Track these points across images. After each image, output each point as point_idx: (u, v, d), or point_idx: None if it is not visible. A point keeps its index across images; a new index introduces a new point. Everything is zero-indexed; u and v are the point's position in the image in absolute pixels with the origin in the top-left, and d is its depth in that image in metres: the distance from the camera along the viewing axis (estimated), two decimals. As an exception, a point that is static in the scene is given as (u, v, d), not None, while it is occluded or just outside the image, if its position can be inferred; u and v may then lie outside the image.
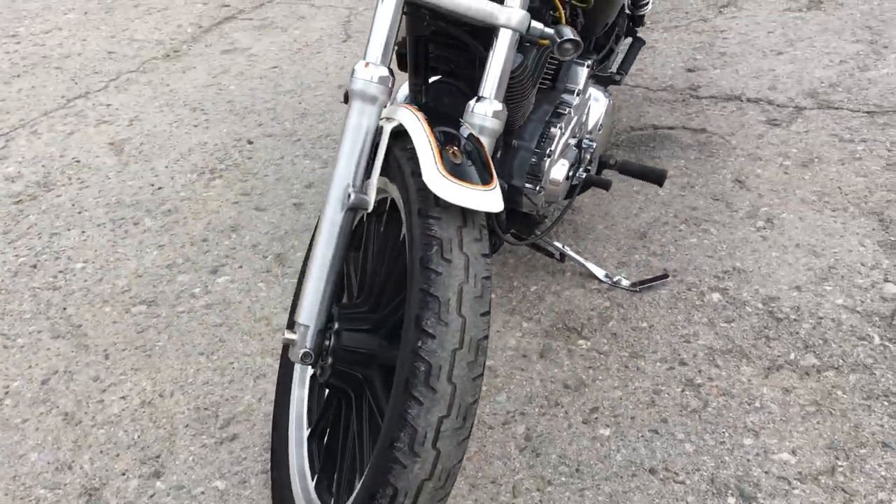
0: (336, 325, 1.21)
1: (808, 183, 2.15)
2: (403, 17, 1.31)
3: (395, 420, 0.99)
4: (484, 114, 1.23)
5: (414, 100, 1.52)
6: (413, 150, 1.11)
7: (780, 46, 2.87)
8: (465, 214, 1.08)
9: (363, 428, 1.22)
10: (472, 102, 1.25)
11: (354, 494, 1.10)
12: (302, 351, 1.20)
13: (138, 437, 1.55)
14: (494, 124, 1.23)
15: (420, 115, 1.14)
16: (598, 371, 1.64)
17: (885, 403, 1.52)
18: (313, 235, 1.24)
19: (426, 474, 0.98)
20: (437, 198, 1.06)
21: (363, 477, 1.07)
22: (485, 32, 1.29)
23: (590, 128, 1.75)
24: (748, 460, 1.43)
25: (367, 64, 1.18)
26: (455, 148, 1.11)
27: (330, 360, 1.21)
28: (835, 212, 2.03)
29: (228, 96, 2.82)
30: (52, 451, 1.53)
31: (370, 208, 1.20)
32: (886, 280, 1.80)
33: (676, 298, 1.79)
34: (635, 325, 1.73)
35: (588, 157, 1.70)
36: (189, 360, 1.72)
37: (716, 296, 1.79)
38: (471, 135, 1.18)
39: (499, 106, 1.24)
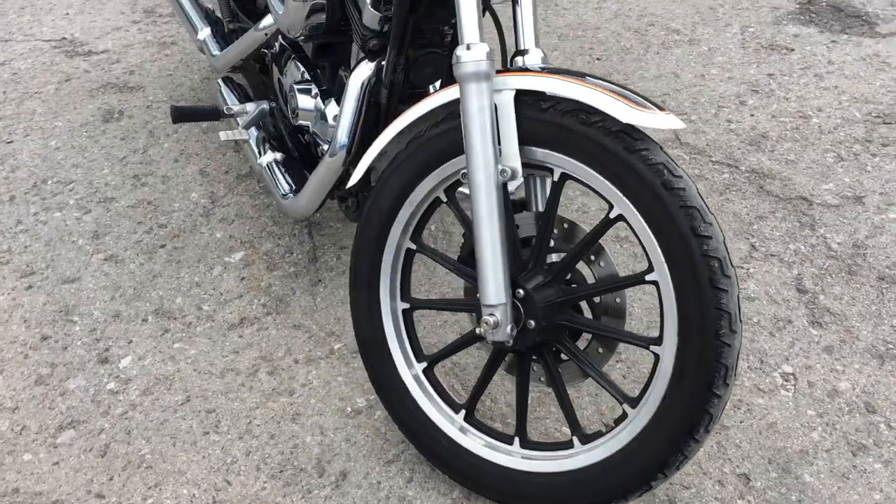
0: (523, 292, 1.35)
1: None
2: None
3: (710, 308, 1.19)
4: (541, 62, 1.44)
5: (391, 79, 1.61)
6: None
7: None
8: None
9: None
10: (519, 58, 1.45)
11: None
12: (508, 327, 1.32)
13: None
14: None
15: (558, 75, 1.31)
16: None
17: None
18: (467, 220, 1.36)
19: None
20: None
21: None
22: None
23: None
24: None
25: (468, 46, 1.31)
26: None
27: (532, 323, 1.34)
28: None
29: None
30: None
31: (521, 177, 1.33)
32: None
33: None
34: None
35: None
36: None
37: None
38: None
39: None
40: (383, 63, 1.62)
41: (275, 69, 2.11)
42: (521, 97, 1.32)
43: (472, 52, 1.30)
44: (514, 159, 1.33)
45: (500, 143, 1.32)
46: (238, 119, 2.04)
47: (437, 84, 1.70)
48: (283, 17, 1.70)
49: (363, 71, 1.63)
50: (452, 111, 1.40)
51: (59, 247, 2.20)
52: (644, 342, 1.33)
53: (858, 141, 2.42)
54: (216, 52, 2.28)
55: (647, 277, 1.29)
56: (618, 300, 1.41)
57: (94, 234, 2.24)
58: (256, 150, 1.99)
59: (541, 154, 1.34)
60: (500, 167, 1.32)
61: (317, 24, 1.66)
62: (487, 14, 1.55)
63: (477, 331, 1.41)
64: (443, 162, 1.43)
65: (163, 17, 3.49)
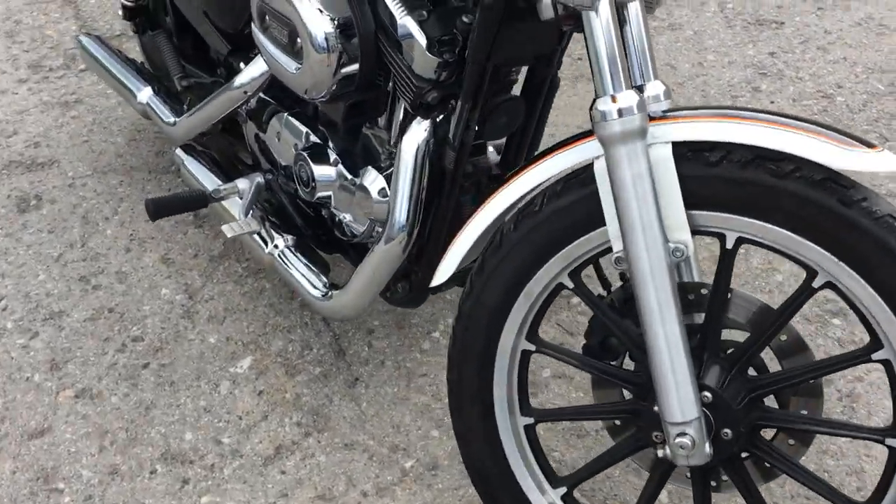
0: (711, 395, 1.09)
1: None
2: None
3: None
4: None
5: (463, 138, 1.31)
6: None
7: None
8: None
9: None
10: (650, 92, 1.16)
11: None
12: (706, 445, 1.07)
13: None
14: None
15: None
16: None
17: None
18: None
19: None
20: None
21: None
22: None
23: None
24: None
25: (613, 97, 1.03)
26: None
27: (728, 432, 1.09)
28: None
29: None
30: None
31: (692, 249, 1.07)
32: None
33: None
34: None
35: None
36: None
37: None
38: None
39: None
40: (438, 118, 1.32)
41: (252, 129, 1.76)
42: (677, 149, 1.06)
43: (620, 101, 1.02)
44: (681, 231, 1.06)
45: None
46: (226, 201, 1.68)
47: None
48: (300, 76, 1.36)
49: (418, 132, 1.32)
50: (577, 174, 1.13)
51: (10, 389, 1.77)
52: (877, 434, 1.09)
53: (893, 116, 2.28)
54: (171, 117, 1.90)
55: (875, 356, 1.06)
56: (812, 380, 1.17)
57: (52, 365, 1.82)
58: (261, 238, 1.64)
59: (710, 218, 1.08)
60: (670, 245, 1.05)
61: (345, 81, 1.33)
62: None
63: (660, 454, 1.13)
64: (571, 240, 1.15)
65: (54, 70, 3.01)
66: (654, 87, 1.17)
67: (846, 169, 1.00)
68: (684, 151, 1.05)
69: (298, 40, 1.34)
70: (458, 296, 1.26)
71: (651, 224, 1.03)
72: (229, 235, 1.55)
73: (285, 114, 1.64)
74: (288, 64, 1.39)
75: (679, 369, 1.06)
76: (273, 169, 1.71)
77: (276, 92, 1.68)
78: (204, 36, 1.92)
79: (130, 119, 2.65)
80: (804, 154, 1.00)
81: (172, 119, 1.89)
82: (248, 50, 1.79)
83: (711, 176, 1.05)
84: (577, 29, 1.10)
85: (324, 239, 1.67)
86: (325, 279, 1.56)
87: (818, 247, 1.03)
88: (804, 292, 1.08)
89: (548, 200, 1.15)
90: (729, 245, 1.09)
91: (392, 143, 1.44)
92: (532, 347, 1.24)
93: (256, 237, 1.63)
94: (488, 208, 1.18)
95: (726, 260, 1.10)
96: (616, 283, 1.28)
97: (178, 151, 1.90)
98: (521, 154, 1.44)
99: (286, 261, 1.61)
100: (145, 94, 2.00)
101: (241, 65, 1.76)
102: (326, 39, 1.29)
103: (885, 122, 2.26)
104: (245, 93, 1.67)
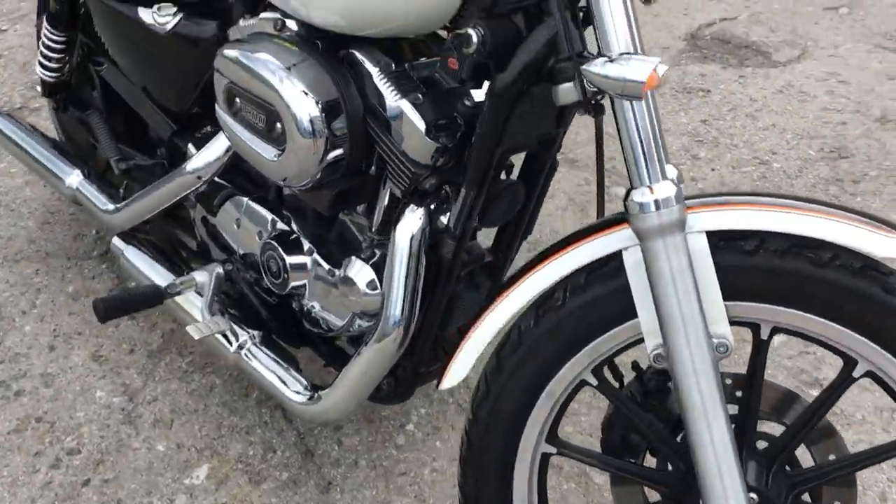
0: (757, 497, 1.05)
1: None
2: None
3: None
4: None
5: (465, 227, 1.24)
6: None
7: None
8: None
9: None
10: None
11: None
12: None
13: None
14: None
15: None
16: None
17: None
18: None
19: None
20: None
21: None
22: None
23: None
24: None
25: (650, 188, 0.98)
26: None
27: None
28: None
29: None
30: None
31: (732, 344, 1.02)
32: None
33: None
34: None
35: None
36: None
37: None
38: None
39: None
40: (432, 205, 1.25)
41: (200, 213, 1.63)
42: (710, 238, 1.02)
43: (658, 192, 0.98)
44: (721, 324, 1.02)
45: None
46: (181, 294, 1.54)
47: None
48: (280, 164, 1.26)
49: (412, 220, 1.24)
50: (602, 265, 1.07)
51: (-76, 521, 1.55)
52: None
53: (830, 181, 2.36)
54: (108, 204, 1.74)
55: (921, 446, 1.03)
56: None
57: (-26, 488, 1.61)
58: (223, 335, 1.50)
59: (746, 309, 1.04)
60: (713, 341, 1.00)
61: (331, 168, 1.24)
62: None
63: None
64: (598, 335, 1.09)
65: (-52, 147, 2.77)
66: (668, 171, 1.14)
67: (887, 256, 0.98)
68: (716, 241, 1.02)
69: (278, 125, 1.24)
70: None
71: (694, 319, 0.99)
72: (197, 338, 1.41)
73: (245, 199, 1.52)
74: (265, 150, 1.28)
75: (727, 472, 1.00)
76: (230, 258, 1.58)
77: (232, 175, 1.57)
78: (142, 114, 1.78)
79: (40, 199, 2.46)
80: (843, 241, 0.98)
81: (110, 206, 1.73)
82: (193, 129, 1.68)
83: (748, 266, 1.01)
84: (596, 114, 1.05)
85: (291, 332, 1.55)
86: (303, 380, 1.43)
87: (859, 335, 1.00)
88: (844, 382, 1.05)
89: (571, 293, 1.08)
90: (764, 335, 1.06)
91: (373, 229, 1.35)
92: (553, 450, 1.17)
93: (219, 335, 1.50)
94: (505, 304, 1.11)
95: (761, 351, 1.07)
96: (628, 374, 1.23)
97: (116, 241, 1.74)
98: (516, 240, 1.38)
99: (255, 359, 1.48)
100: (74, 178, 1.84)
101: (189, 146, 1.64)
102: (313, 123, 1.20)
103: (822, 188, 2.33)
104: (199, 178, 1.55)
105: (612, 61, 0.92)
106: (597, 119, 1.14)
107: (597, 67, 0.93)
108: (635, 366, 1.22)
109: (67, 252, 2.24)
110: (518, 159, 1.30)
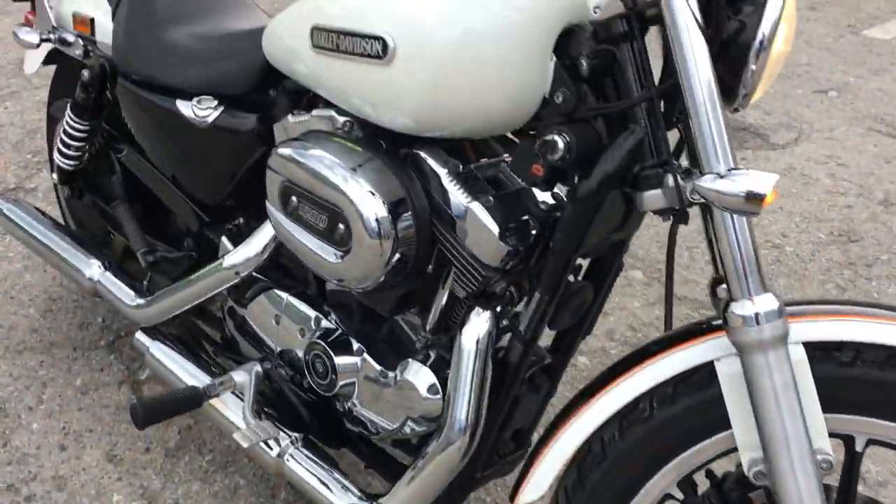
0: None
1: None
2: None
3: None
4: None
5: (536, 331, 1.22)
6: None
7: None
8: None
9: None
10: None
11: None
12: None
13: None
14: None
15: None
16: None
17: None
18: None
19: None
20: None
21: None
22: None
23: None
24: None
25: (751, 300, 0.96)
26: None
27: None
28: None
29: None
30: None
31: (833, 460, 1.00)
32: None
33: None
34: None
35: None
36: None
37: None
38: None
39: None
40: (498, 308, 1.22)
41: (231, 307, 1.59)
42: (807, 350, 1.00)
43: (759, 305, 0.96)
44: (821, 439, 0.99)
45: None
46: (221, 395, 1.48)
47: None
48: (344, 266, 1.22)
49: (479, 324, 1.21)
50: (690, 375, 1.05)
51: None
52: None
53: (843, 265, 2.38)
54: (136, 299, 1.68)
55: None
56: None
57: None
58: (266, 442, 1.44)
59: (842, 422, 1.02)
60: (817, 458, 0.98)
61: (395, 269, 1.21)
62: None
63: None
64: (686, 448, 1.06)
65: (-61, 229, 2.68)
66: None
67: None
68: (812, 352, 1.00)
69: (342, 226, 1.21)
70: None
71: (799, 437, 0.96)
72: (246, 446, 1.34)
73: (285, 294, 1.48)
74: (324, 251, 1.25)
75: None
76: (267, 356, 1.53)
77: (270, 270, 1.53)
78: (168, 204, 1.75)
79: (41, 285, 2.38)
80: None
81: (137, 301, 1.67)
82: (224, 221, 1.64)
83: (846, 377, 0.99)
84: (684, 222, 1.04)
85: (332, 433, 1.50)
86: (356, 490, 1.37)
87: (959, 447, 0.99)
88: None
89: (659, 405, 1.05)
90: (859, 448, 1.03)
91: (428, 328, 1.32)
92: (635, 569, 1.12)
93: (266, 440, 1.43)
94: (589, 415, 1.07)
95: (855, 463, 1.04)
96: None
97: (140, 336, 1.68)
98: (577, 341, 1.35)
99: (300, 465, 1.41)
100: (95, 270, 1.78)
101: (224, 239, 1.60)
102: (380, 225, 1.17)
103: (836, 272, 2.35)
104: (237, 273, 1.50)
105: (722, 177, 0.92)
106: (673, 228, 1.13)
107: (708, 183, 0.92)
108: (710, 474, 1.19)
109: (73, 342, 2.16)
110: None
